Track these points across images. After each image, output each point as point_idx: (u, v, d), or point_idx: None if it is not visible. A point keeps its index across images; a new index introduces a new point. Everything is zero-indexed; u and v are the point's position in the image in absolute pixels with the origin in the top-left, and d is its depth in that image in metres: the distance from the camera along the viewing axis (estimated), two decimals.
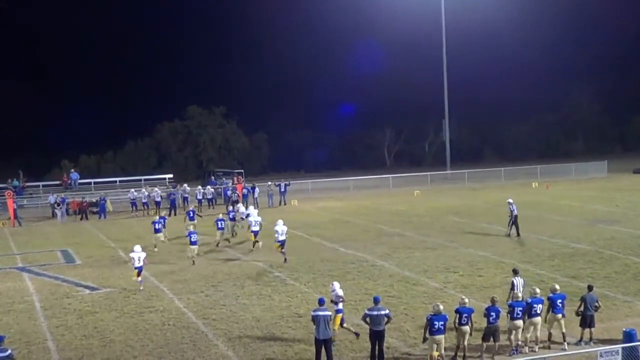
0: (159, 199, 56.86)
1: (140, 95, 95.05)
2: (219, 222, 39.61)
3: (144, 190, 58.63)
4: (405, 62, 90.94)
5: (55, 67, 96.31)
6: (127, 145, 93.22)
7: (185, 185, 60.80)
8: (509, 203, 40.71)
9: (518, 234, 39.79)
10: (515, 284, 23.23)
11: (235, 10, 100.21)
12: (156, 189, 58.77)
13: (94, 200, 58.29)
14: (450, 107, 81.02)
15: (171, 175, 70.56)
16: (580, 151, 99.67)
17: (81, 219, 55.57)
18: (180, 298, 28.61)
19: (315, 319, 20.52)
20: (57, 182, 65.86)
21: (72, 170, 68.17)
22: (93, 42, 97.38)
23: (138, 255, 30.54)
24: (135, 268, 30.41)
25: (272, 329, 24.29)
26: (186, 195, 58.35)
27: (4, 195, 57.56)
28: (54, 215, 56.38)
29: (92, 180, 67.66)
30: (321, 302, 21.04)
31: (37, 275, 34.06)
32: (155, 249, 38.41)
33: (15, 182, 62.14)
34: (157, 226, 39.41)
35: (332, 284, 23.64)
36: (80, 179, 66.34)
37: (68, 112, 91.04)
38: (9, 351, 19.53)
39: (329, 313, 20.86)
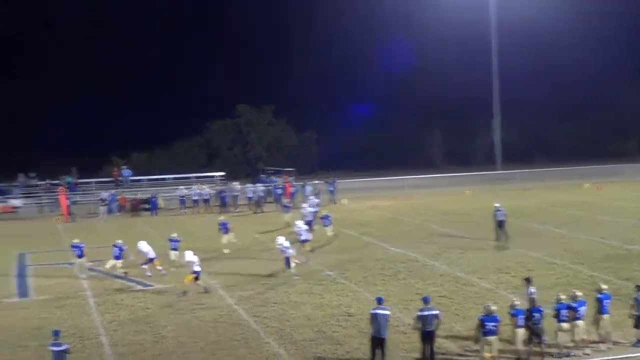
0: (207, 197, 57.35)
1: (191, 93, 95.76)
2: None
3: (193, 187, 59.05)
4: (455, 60, 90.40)
5: (108, 65, 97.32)
6: (177, 143, 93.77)
7: (235, 183, 61.12)
8: (495, 207, 39.12)
9: (499, 239, 38.26)
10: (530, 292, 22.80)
11: (288, 8, 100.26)
12: (205, 187, 59.19)
13: (145, 197, 58.84)
14: (501, 106, 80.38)
15: (223, 173, 70.76)
16: (633, 151, 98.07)
17: (132, 215, 56.17)
18: (232, 295, 28.80)
19: (374, 317, 20.49)
20: (110, 179, 66.39)
21: (124, 166, 68.69)
22: (145, 42, 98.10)
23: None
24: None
25: (323, 327, 24.34)
26: (236, 193, 58.65)
27: (57, 192, 58.32)
28: (108, 211, 56.93)
29: (144, 177, 68.14)
30: (380, 300, 21.04)
31: (90, 271, 34.37)
32: (225, 250, 38.24)
33: (69, 179, 62.65)
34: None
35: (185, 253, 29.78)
36: (132, 175, 66.76)
37: (120, 109, 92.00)
38: (65, 346, 19.82)
39: (388, 312, 20.86)
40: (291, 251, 31.78)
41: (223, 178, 68.51)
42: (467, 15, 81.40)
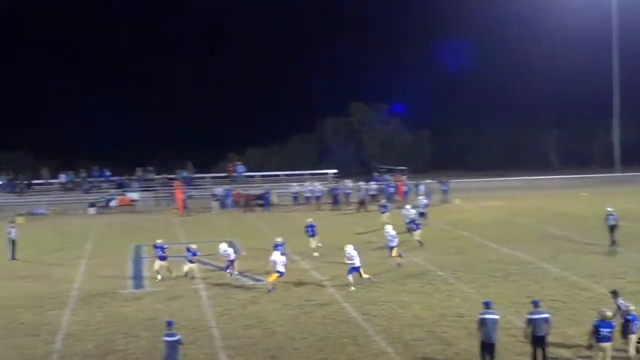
0: (319, 194, 57.75)
1: (306, 90, 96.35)
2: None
3: (306, 184, 59.50)
4: (574, 59, 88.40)
5: (227, 62, 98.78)
6: (291, 140, 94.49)
7: (348, 181, 61.29)
8: (608, 211, 38.40)
9: (612, 243, 37.55)
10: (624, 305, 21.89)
11: (401, 5, 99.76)
12: (317, 184, 59.57)
13: (258, 193, 59.54)
14: (621, 105, 78.36)
15: (336, 171, 70.90)
16: None
17: (245, 210, 56.90)
18: (341, 293, 28.85)
19: (482, 322, 20.25)
20: (224, 174, 67.32)
21: (238, 162, 69.50)
22: (266, 40, 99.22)
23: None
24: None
25: (432, 327, 24.17)
26: (348, 191, 58.86)
27: (173, 186, 59.55)
28: (221, 206, 58.01)
29: (257, 173, 68.90)
30: (487, 305, 20.71)
31: (203, 264, 34.89)
32: (315, 254, 37.38)
33: (185, 173, 63.81)
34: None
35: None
36: (245, 171, 67.53)
37: (236, 106, 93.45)
38: (178, 336, 20.24)
39: (497, 316, 20.57)
40: (358, 260, 30.41)
41: (336, 176, 68.68)
42: (587, 13, 79.50)
